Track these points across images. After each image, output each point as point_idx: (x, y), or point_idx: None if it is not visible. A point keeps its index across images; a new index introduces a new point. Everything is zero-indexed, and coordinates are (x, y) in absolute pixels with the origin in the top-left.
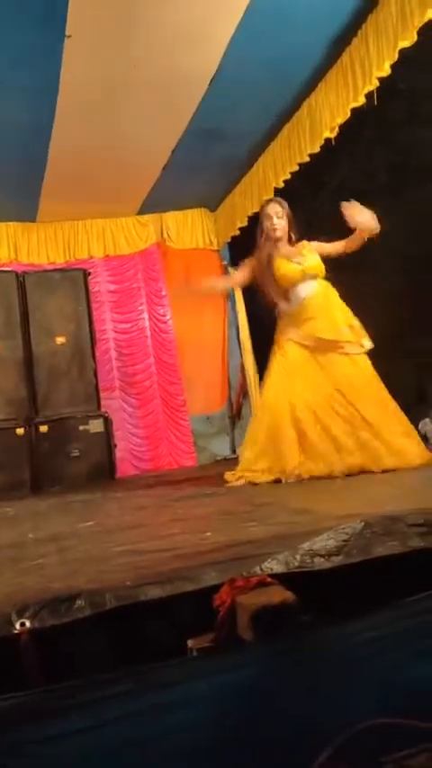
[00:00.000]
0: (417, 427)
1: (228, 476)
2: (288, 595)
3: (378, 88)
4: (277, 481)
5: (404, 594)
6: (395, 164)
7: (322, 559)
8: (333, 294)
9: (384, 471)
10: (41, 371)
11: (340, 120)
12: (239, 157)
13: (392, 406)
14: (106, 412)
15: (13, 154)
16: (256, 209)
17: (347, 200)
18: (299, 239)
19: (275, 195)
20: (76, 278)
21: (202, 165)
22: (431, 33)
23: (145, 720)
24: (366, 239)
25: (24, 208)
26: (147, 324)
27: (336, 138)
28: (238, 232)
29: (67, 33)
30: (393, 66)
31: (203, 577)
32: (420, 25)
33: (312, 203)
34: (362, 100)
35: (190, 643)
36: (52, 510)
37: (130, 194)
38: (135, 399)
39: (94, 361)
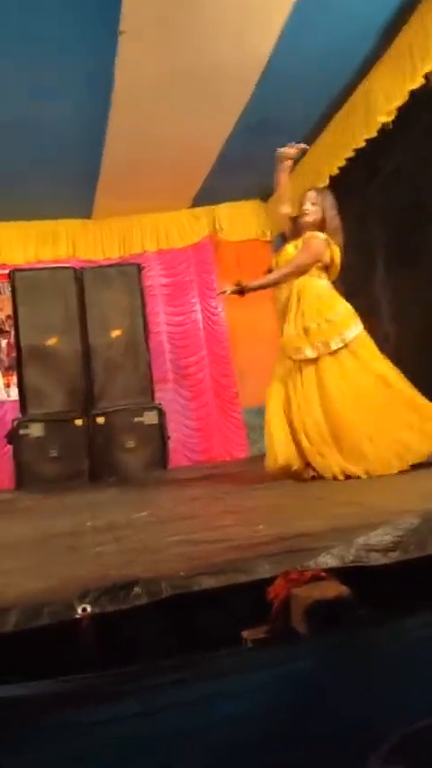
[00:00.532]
0: None
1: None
2: (343, 590)
3: None
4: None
5: None
6: None
7: (378, 554)
8: (312, 289)
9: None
10: (98, 364)
11: (397, 103)
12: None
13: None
14: (160, 404)
15: (69, 153)
16: None
17: (403, 186)
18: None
19: (330, 183)
20: (131, 272)
21: (255, 156)
22: None
23: (196, 710)
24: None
25: (81, 205)
26: (199, 316)
27: (392, 122)
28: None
29: (120, 29)
30: None
31: (257, 569)
32: None
33: (366, 191)
34: (420, 81)
35: (245, 634)
36: (109, 500)
37: (183, 188)
38: (188, 391)
39: (148, 354)
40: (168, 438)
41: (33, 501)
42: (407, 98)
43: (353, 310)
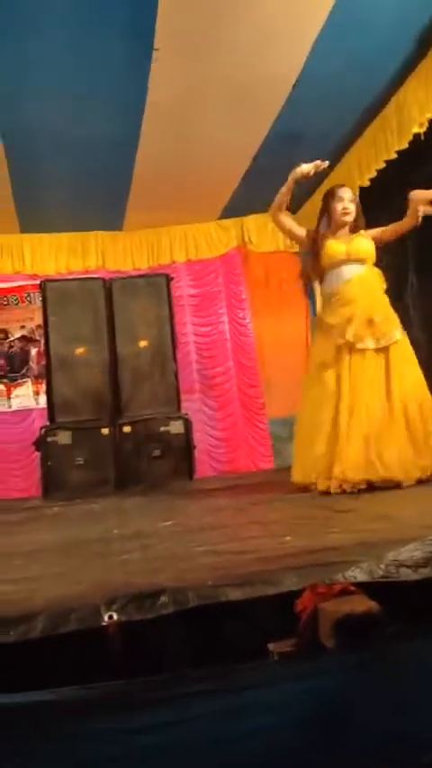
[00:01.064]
0: None
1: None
2: (372, 605)
3: None
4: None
5: None
6: None
7: (409, 570)
8: (376, 282)
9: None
10: (125, 374)
11: (430, 114)
12: (322, 158)
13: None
14: (186, 413)
15: (101, 165)
16: None
17: None
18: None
19: (361, 194)
20: (159, 283)
21: (285, 168)
22: None
23: (228, 721)
24: (421, 214)
25: (112, 217)
26: (227, 327)
27: (425, 133)
28: None
29: (155, 46)
30: None
31: (284, 582)
32: None
33: (398, 203)
34: None
35: (271, 646)
36: (135, 508)
37: (213, 199)
38: (214, 401)
39: (175, 364)
40: (194, 448)
41: (60, 508)
42: None
43: None
